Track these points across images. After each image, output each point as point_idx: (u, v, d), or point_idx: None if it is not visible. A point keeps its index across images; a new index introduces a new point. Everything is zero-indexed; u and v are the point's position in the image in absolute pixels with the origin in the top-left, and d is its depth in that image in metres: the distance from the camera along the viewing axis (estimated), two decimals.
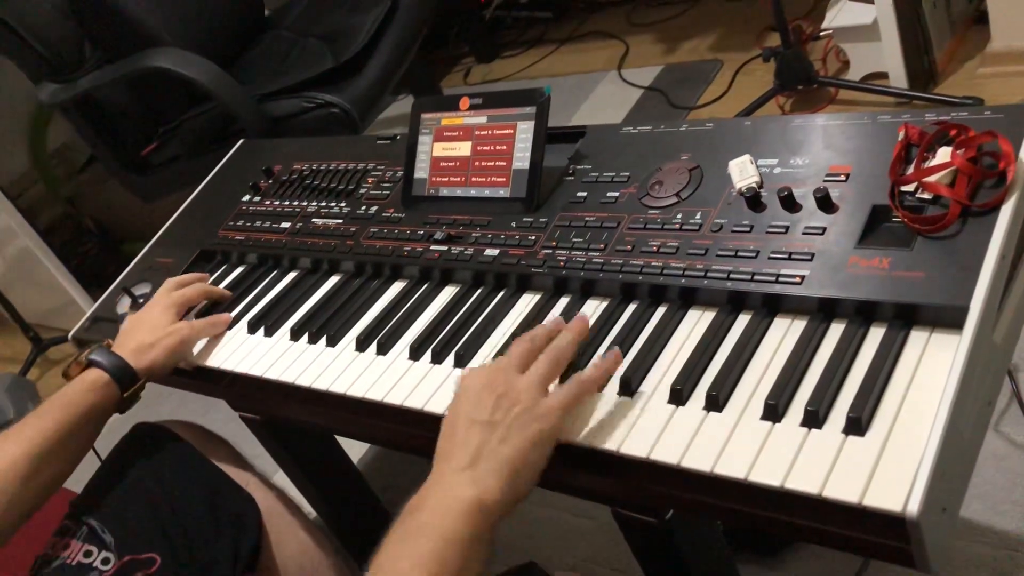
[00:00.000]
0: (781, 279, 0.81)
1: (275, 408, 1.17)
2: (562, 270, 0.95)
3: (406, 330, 1.01)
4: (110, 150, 2.25)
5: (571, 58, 3.09)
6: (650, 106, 2.58)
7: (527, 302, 0.98)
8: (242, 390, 1.13)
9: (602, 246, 0.94)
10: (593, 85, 2.81)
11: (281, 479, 1.40)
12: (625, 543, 0.95)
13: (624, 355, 0.86)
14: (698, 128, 1.02)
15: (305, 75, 2.11)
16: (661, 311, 0.89)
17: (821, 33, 2.27)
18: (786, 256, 0.83)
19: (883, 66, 2.08)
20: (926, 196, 0.80)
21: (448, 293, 1.04)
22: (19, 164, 3.13)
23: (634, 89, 2.68)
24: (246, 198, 1.38)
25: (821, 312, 0.79)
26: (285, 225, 1.27)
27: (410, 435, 0.93)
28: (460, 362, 0.93)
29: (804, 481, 0.67)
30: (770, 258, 0.84)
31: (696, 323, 0.86)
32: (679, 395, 0.79)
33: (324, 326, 1.07)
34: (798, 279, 0.81)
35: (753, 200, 0.89)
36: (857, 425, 0.69)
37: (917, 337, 0.74)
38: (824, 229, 0.83)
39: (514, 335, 0.93)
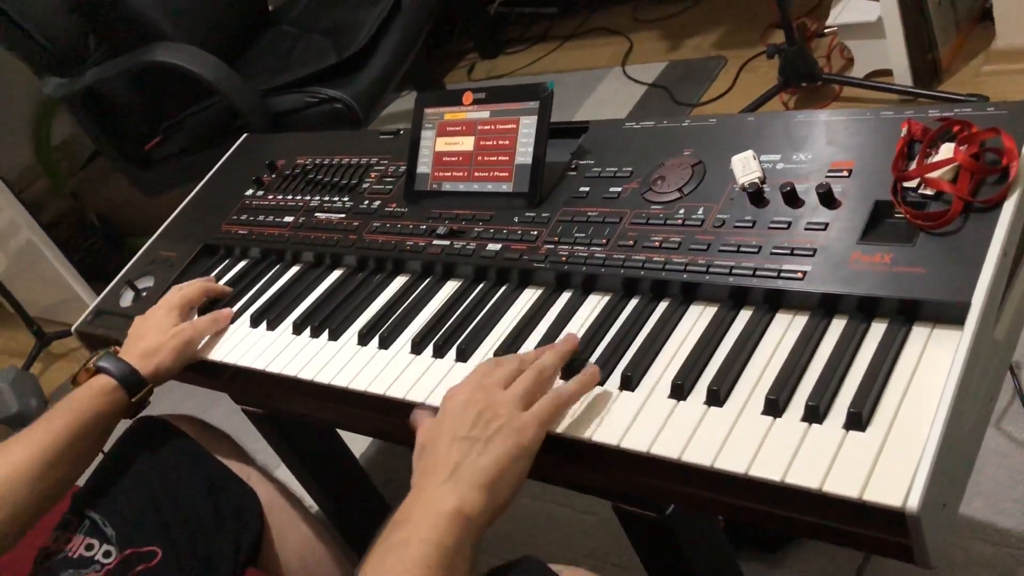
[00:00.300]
0: (783, 275, 0.81)
1: (277, 402, 1.17)
2: (564, 265, 0.95)
3: (408, 324, 1.01)
4: (113, 145, 2.26)
5: (575, 54, 3.08)
6: (654, 103, 2.58)
7: (529, 297, 0.98)
8: (245, 384, 1.13)
9: (604, 241, 0.94)
10: (597, 82, 2.81)
11: (283, 473, 1.40)
12: (627, 539, 0.95)
13: (625, 350, 0.86)
14: (701, 124, 1.02)
15: (308, 70, 2.11)
16: (663, 306, 0.89)
17: (825, 30, 2.27)
18: (788, 252, 0.83)
19: (887, 63, 2.08)
20: (928, 192, 0.79)
21: (450, 288, 1.04)
22: (24, 158, 3.14)
23: (638, 86, 2.68)
24: (249, 192, 1.38)
25: (823, 308, 0.80)
26: (288, 219, 1.27)
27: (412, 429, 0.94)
28: (462, 356, 0.94)
29: (805, 476, 0.67)
30: (772, 254, 0.84)
31: (698, 318, 0.86)
32: (680, 390, 0.79)
33: (326, 320, 1.07)
34: (800, 275, 0.81)
35: (756, 196, 0.89)
36: (858, 420, 0.69)
37: (919, 333, 0.74)
38: (826, 225, 0.83)
39: (515, 330, 0.94)
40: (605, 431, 0.79)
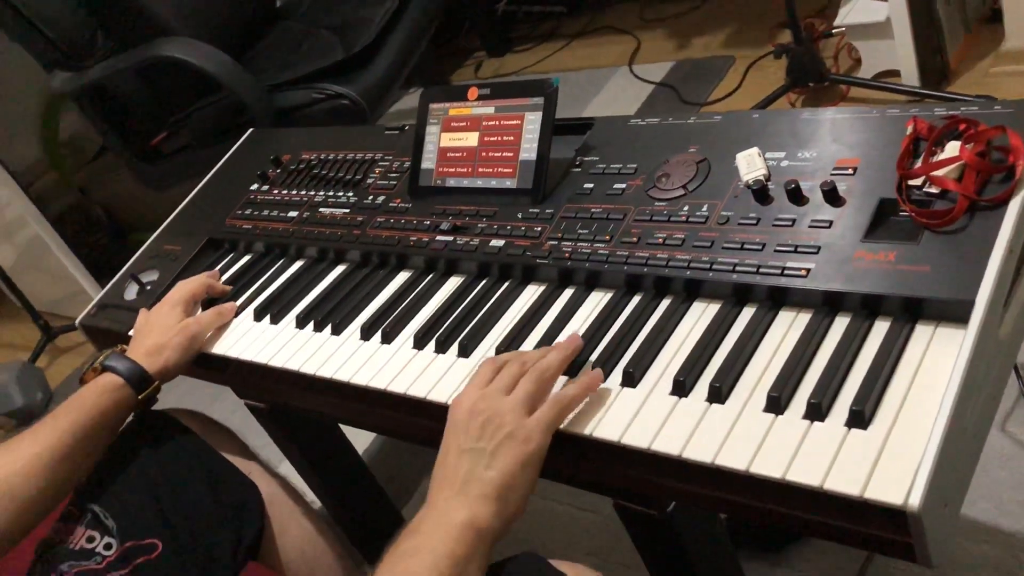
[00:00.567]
0: (787, 272, 0.81)
1: (280, 396, 1.17)
2: (567, 261, 0.95)
3: (411, 319, 1.01)
4: (120, 139, 2.26)
5: (583, 53, 3.08)
6: (661, 102, 2.57)
7: (532, 293, 0.97)
8: (247, 378, 1.13)
9: (608, 238, 0.94)
10: (604, 80, 2.80)
11: (286, 469, 1.40)
12: (628, 537, 0.95)
13: (627, 347, 0.86)
14: (706, 121, 1.01)
15: (315, 66, 2.11)
16: (666, 303, 0.89)
17: (833, 30, 2.26)
18: (792, 249, 0.82)
19: (895, 64, 2.07)
20: (934, 190, 0.79)
21: (453, 283, 1.04)
22: (32, 153, 3.15)
23: (645, 85, 2.68)
24: (254, 187, 1.38)
25: (826, 305, 0.79)
26: (293, 214, 1.27)
27: (413, 424, 0.94)
28: (464, 352, 0.93)
29: (806, 473, 0.67)
30: (776, 251, 0.83)
31: (700, 315, 0.86)
32: (682, 386, 0.78)
33: (329, 314, 1.07)
34: (804, 272, 0.80)
35: (760, 193, 0.89)
36: (860, 418, 0.68)
37: (922, 331, 0.74)
38: (831, 222, 0.82)
39: (518, 327, 0.93)
40: (606, 427, 0.79)
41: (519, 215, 1.03)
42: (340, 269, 1.16)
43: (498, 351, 0.92)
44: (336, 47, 2.17)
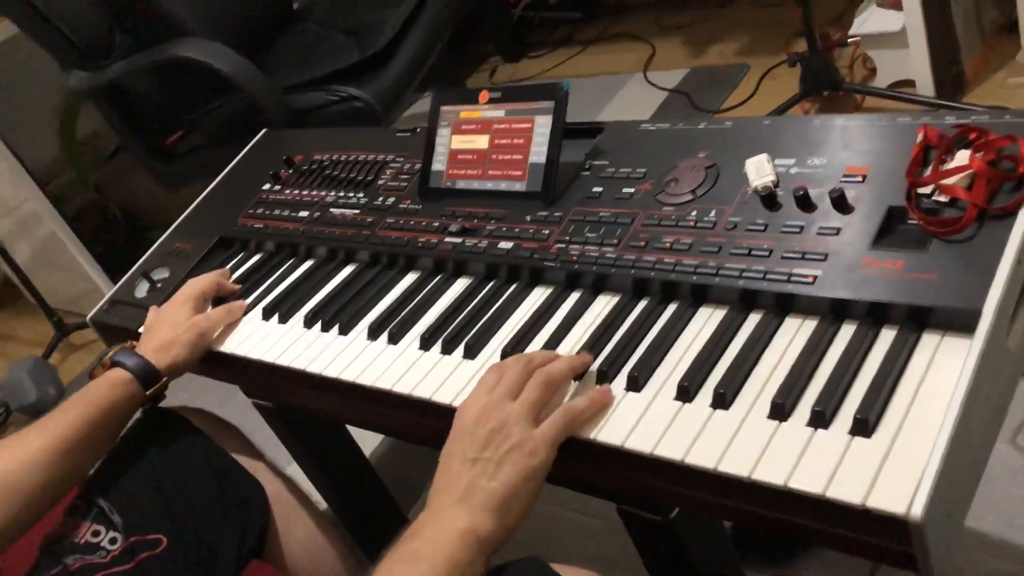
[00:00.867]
0: (793, 278, 0.81)
1: (287, 395, 1.17)
2: (575, 264, 0.95)
3: (418, 320, 1.01)
4: (136, 138, 2.28)
5: (597, 59, 3.08)
6: (674, 109, 2.57)
7: (539, 296, 0.98)
8: (255, 376, 1.14)
9: (615, 241, 0.94)
10: (618, 87, 2.80)
11: (293, 471, 1.40)
12: (632, 544, 0.95)
13: (633, 351, 0.86)
14: (717, 126, 1.01)
15: (330, 68, 2.11)
16: (672, 308, 0.88)
17: (848, 39, 2.26)
18: (799, 256, 0.82)
19: (910, 74, 2.06)
20: (943, 199, 0.79)
21: (461, 285, 1.04)
22: (50, 151, 3.17)
23: (659, 91, 2.68)
24: (266, 187, 1.39)
25: (832, 313, 0.79)
26: (303, 214, 1.27)
27: (418, 424, 0.94)
28: (470, 353, 0.93)
29: (808, 481, 0.67)
30: (783, 257, 0.83)
31: (706, 321, 0.85)
32: (686, 392, 0.78)
33: (337, 314, 1.07)
34: (810, 279, 0.80)
35: (769, 199, 0.88)
36: (864, 426, 0.68)
37: (928, 340, 0.73)
38: (839, 229, 0.82)
39: (524, 329, 0.94)
40: (609, 431, 0.79)
41: (528, 217, 1.03)
42: (349, 269, 1.17)
43: (504, 353, 0.92)
44: (351, 50, 2.18)
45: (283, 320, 1.13)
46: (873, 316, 0.77)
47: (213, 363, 1.17)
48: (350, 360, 1.00)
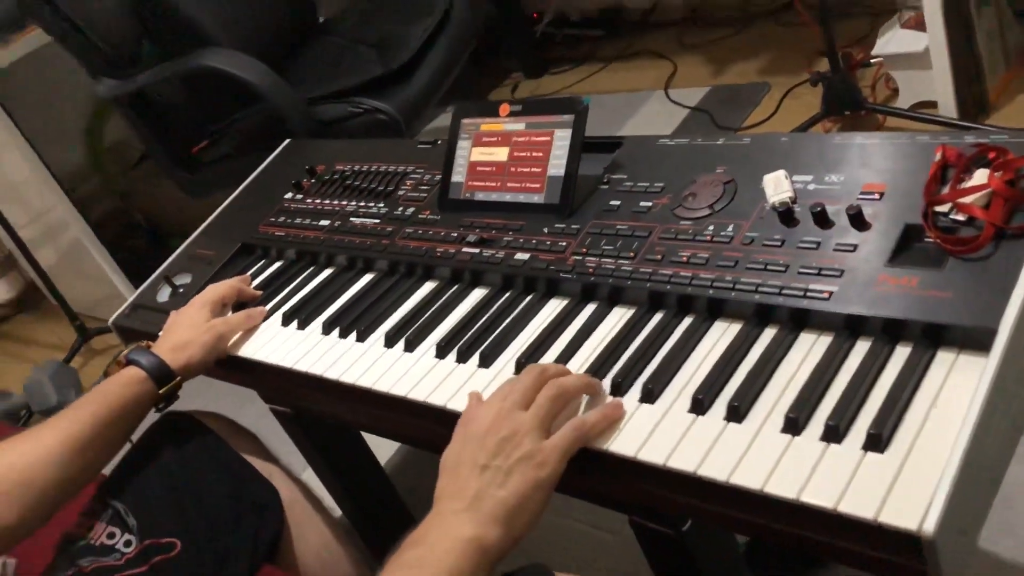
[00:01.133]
0: (809, 294, 0.81)
1: (304, 400, 1.18)
2: (591, 276, 0.95)
3: (434, 329, 1.02)
4: (162, 147, 2.30)
5: (619, 76, 3.09)
6: (695, 127, 2.58)
7: (555, 307, 0.98)
8: (273, 381, 1.15)
9: (632, 254, 0.94)
10: (639, 104, 2.81)
11: (308, 477, 1.41)
12: (644, 558, 0.94)
13: (647, 363, 0.86)
14: (735, 142, 1.02)
15: (354, 81, 2.14)
16: (687, 321, 0.89)
17: (871, 60, 2.26)
18: (815, 271, 0.82)
19: (933, 95, 2.06)
20: (960, 217, 0.79)
21: (477, 295, 1.05)
22: (76, 158, 3.21)
23: (680, 109, 2.68)
24: (288, 195, 1.40)
25: (847, 329, 0.79)
26: (324, 223, 1.29)
27: (432, 432, 0.94)
28: (484, 362, 0.94)
29: (820, 495, 0.67)
30: (799, 273, 0.83)
31: (722, 335, 0.86)
32: (700, 405, 0.79)
33: (355, 322, 1.08)
34: (826, 295, 0.80)
35: (786, 215, 0.89)
36: (877, 442, 0.68)
37: (943, 358, 0.73)
38: (855, 246, 0.82)
39: (539, 339, 0.94)
40: (623, 443, 0.79)
41: (545, 229, 1.04)
42: (368, 278, 1.18)
43: (518, 363, 0.92)
44: (375, 63, 2.21)
45: (302, 326, 1.14)
46: (888, 333, 0.77)
47: (232, 367, 1.18)
48: (367, 366, 1.01)
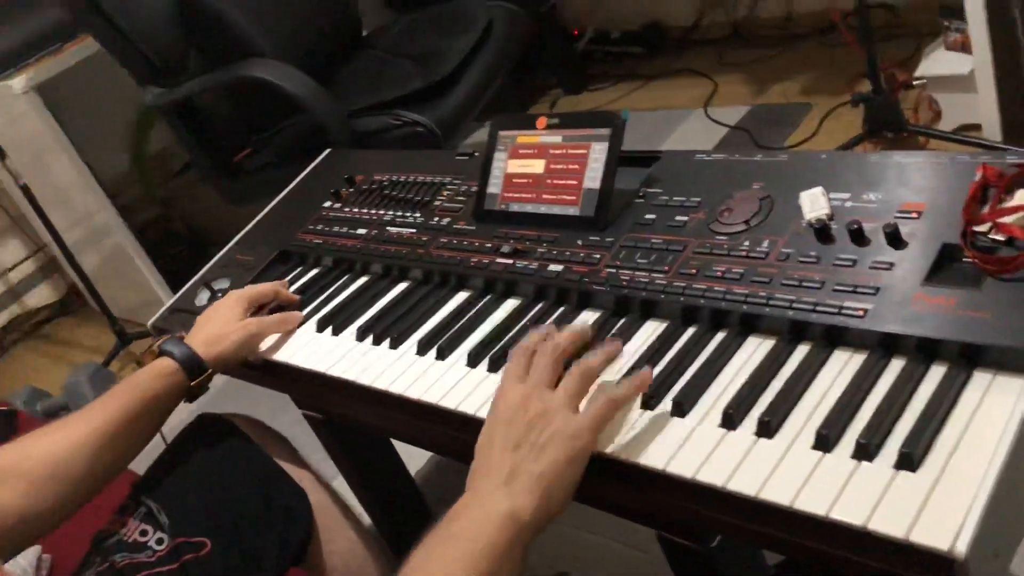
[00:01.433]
0: (844, 311, 0.80)
1: (336, 406, 1.19)
2: (624, 289, 0.95)
3: (466, 338, 1.03)
4: (205, 154, 2.34)
5: (659, 94, 3.10)
6: (734, 146, 2.57)
7: (587, 319, 0.98)
8: (307, 386, 1.16)
9: (666, 268, 0.94)
10: (679, 121, 2.81)
11: (339, 485, 1.42)
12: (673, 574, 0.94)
13: (679, 377, 0.86)
14: (772, 159, 1.02)
15: (395, 94, 2.16)
16: (720, 336, 0.88)
17: (915, 82, 2.24)
18: (851, 289, 0.82)
19: (977, 118, 2.04)
20: (1000, 237, 0.78)
21: (510, 305, 1.05)
22: (120, 165, 3.27)
23: (719, 128, 2.68)
24: (327, 204, 1.42)
25: (882, 347, 0.78)
26: (361, 231, 1.30)
27: (461, 441, 0.94)
28: None
29: (850, 512, 0.66)
30: (834, 290, 0.83)
31: (755, 351, 0.85)
32: (731, 419, 0.78)
33: (389, 329, 1.09)
34: (861, 312, 0.80)
35: (822, 232, 0.88)
36: (909, 461, 0.67)
37: (980, 378, 0.72)
38: (891, 264, 0.82)
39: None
40: (652, 455, 0.79)
41: (579, 242, 1.04)
42: (402, 286, 1.19)
43: None
44: (415, 76, 2.23)
45: (336, 332, 1.15)
46: (923, 352, 0.76)
47: (266, 371, 1.19)
48: (398, 373, 1.01)
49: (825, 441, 0.72)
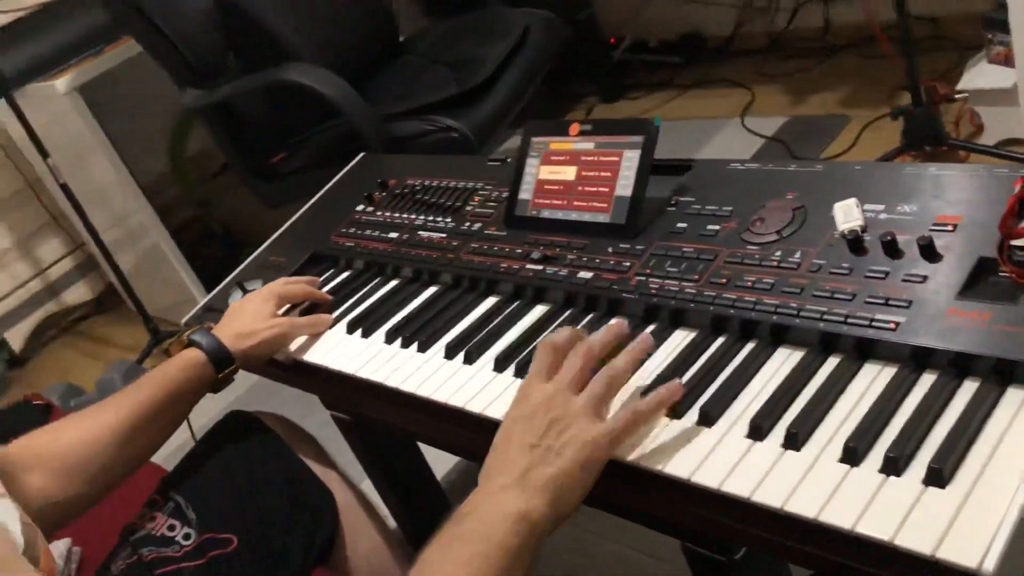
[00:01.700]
0: (875, 324, 0.80)
1: (364, 407, 1.20)
2: (653, 297, 0.95)
3: (494, 343, 1.03)
4: (241, 156, 2.37)
5: (695, 104, 3.08)
6: (770, 157, 2.55)
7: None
8: (336, 387, 1.17)
9: (696, 277, 0.94)
10: (715, 131, 2.80)
11: (366, 488, 1.42)
12: None
13: (707, 387, 0.85)
14: (807, 169, 1.01)
15: (429, 99, 2.18)
16: (749, 346, 0.88)
17: (956, 95, 2.21)
18: (883, 302, 0.81)
19: (1020, 132, 2.01)
20: None
21: (539, 311, 1.05)
22: (159, 166, 3.32)
23: (756, 138, 2.66)
24: (360, 207, 1.43)
25: (913, 361, 0.77)
26: (393, 235, 1.31)
27: (486, 445, 0.94)
28: None
29: (877, 527, 0.65)
30: (866, 302, 0.82)
31: (784, 362, 0.84)
32: (758, 430, 0.77)
33: (417, 332, 1.10)
34: (893, 325, 0.79)
35: (855, 243, 0.87)
36: (938, 476, 0.66)
37: (1013, 395, 0.71)
38: (925, 278, 0.81)
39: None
40: (677, 464, 0.78)
41: (609, 249, 1.04)
42: (432, 290, 1.19)
43: None
44: (451, 82, 2.24)
45: (366, 335, 1.15)
46: (956, 367, 0.75)
47: (296, 371, 1.20)
48: (426, 376, 1.02)
49: (853, 454, 0.71)
